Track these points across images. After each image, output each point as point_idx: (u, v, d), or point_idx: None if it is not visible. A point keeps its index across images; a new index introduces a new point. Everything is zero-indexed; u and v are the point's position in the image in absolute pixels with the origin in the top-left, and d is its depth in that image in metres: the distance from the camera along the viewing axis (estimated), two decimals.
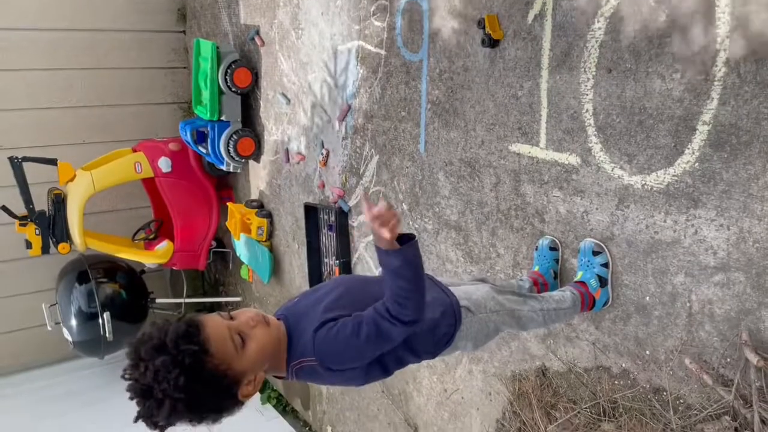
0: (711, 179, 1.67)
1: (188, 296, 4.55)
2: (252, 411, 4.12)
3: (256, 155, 3.88)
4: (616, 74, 1.84)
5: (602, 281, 1.96)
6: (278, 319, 1.45)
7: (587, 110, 1.94)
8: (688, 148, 1.70)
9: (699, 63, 1.64)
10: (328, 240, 3.38)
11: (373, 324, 1.35)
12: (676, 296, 1.81)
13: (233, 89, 3.63)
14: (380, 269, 1.38)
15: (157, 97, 4.63)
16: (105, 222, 4.36)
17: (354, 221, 3.17)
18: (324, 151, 3.24)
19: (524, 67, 2.11)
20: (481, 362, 2.57)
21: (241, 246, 4.08)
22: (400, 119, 2.71)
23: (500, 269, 2.36)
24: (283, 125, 3.60)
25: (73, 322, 3.93)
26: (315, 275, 3.51)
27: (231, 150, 3.76)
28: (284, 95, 3.51)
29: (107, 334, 3.82)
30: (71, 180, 3.83)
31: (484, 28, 2.15)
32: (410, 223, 2.75)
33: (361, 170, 3.01)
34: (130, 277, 4.21)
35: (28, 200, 3.72)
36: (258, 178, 4.01)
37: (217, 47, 3.54)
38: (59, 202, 3.82)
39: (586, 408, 2.11)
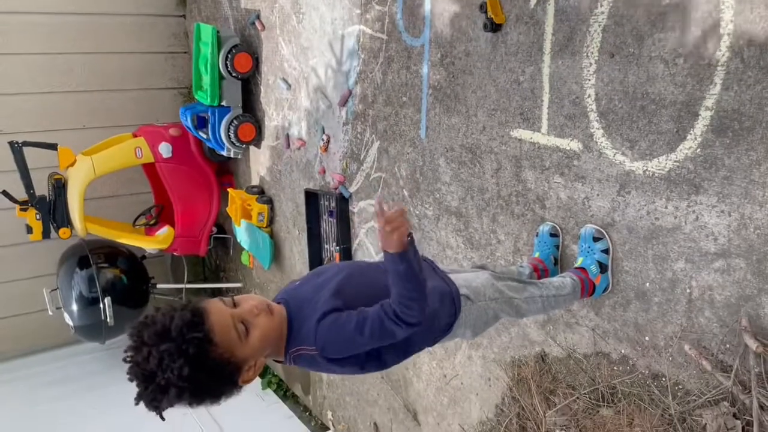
0: (713, 165, 1.66)
1: (189, 282, 4.57)
2: (252, 396, 4.14)
3: (257, 141, 3.87)
4: (618, 59, 1.83)
5: (602, 267, 1.95)
6: (279, 302, 1.45)
7: (589, 95, 1.93)
8: (691, 134, 1.69)
9: (702, 48, 1.63)
10: (328, 226, 3.38)
11: (378, 322, 1.36)
12: (676, 282, 1.81)
13: (234, 74, 3.61)
14: (381, 255, 1.38)
15: (158, 82, 4.61)
16: (106, 207, 4.36)
17: (354, 207, 3.17)
18: (325, 137, 3.23)
19: (526, 51, 2.10)
20: (481, 348, 2.58)
21: (241, 232, 4.09)
22: (401, 105, 2.70)
23: (500, 255, 2.36)
24: (283, 111, 3.59)
25: (74, 307, 3.94)
26: (315, 261, 3.51)
27: (231, 135, 3.75)
28: (285, 80, 3.49)
29: (108, 319, 3.84)
30: (72, 165, 3.83)
31: (486, 12, 2.13)
32: (411, 209, 2.75)
33: (362, 156, 3.00)
34: (131, 262, 4.22)
35: (28, 185, 3.72)
36: (258, 163, 4.00)
37: (218, 32, 3.52)
38: (60, 187, 3.82)
39: (585, 394, 2.12)
